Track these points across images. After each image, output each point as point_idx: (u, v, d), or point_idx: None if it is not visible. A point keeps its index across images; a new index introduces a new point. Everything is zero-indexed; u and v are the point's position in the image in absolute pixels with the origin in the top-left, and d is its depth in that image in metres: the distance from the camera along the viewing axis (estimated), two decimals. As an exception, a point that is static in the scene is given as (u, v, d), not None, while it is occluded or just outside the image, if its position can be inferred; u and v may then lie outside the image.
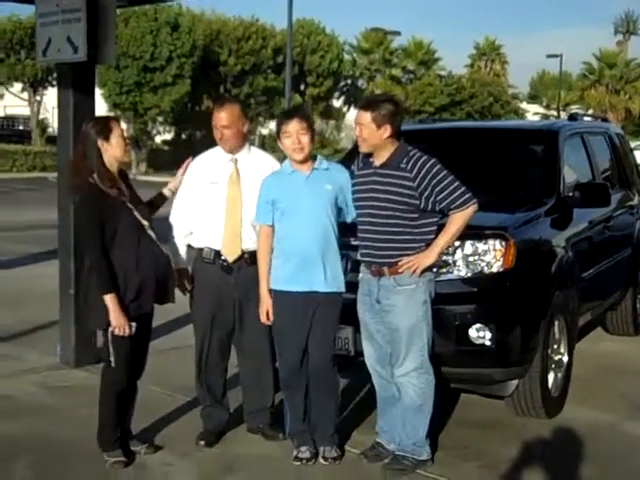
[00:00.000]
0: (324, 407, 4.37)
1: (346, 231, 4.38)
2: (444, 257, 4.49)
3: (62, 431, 4.75)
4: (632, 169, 7.67)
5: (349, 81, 49.23)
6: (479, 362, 4.59)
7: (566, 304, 5.21)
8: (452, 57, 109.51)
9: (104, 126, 4.22)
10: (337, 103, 48.75)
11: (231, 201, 4.49)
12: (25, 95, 38.50)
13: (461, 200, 4.04)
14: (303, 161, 4.28)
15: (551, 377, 5.07)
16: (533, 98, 66.17)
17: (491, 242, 4.58)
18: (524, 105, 59.25)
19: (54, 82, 36.82)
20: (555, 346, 5.13)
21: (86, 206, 4.20)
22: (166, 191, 4.63)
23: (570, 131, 6.19)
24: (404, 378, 4.20)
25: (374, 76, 50.16)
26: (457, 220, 4.08)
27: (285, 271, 4.27)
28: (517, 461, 4.42)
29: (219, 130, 4.47)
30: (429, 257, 4.09)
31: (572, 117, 7.00)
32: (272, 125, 42.99)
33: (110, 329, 4.09)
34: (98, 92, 23.55)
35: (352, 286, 4.38)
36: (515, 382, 4.79)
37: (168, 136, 38.70)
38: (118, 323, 4.05)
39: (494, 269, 4.57)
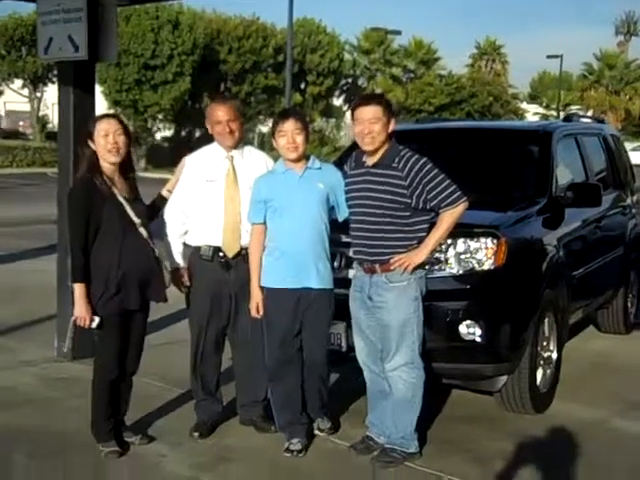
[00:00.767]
0: (316, 388, 4.50)
1: (338, 229, 4.46)
2: (437, 254, 4.58)
3: (59, 422, 4.83)
4: (626, 170, 7.75)
5: (349, 80, 49.27)
6: (469, 358, 4.67)
7: (556, 302, 5.28)
8: (453, 57, 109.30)
9: (92, 125, 4.34)
10: (337, 102, 48.82)
11: (229, 199, 4.56)
12: (25, 91, 38.56)
13: (451, 198, 4.12)
14: (297, 160, 4.36)
15: (540, 373, 5.14)
16: (533, 98, 66.22)
17: (483, 240, 4.65)
18: (524, 105, 59.31)
19: (54, 79, 36.90)
20: (544, 343, 5.20)
21: (73, 198, 4.32)
22: (165, 192, 4.69)
23: (564, 132, 6.26)
24: (394, 373, 4.28)
25: (374, 75, 50.21)
26: (448, 218, 4.16)
27: (277, 269, 4.35)
28: (505, 455, 4.49)
29: (224, 125, 4.51)
30: (420, 255, 4.17)
31: (567, 118, 7.08)
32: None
33: (72, 319, 4.23)
34: (98, 89, 23.61)
35: (344, 282, 4.46)
36: (504, 378, 4.86)
37: (168, 133, 38.77)
38: (79, 313, 4.18)
39: (485, 267, 4.64)
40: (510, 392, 4.96)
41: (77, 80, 6.16)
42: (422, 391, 4.31)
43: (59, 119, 6.33)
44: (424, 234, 4.21)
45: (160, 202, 4.68)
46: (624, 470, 4.39)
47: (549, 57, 47.82)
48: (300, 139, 4.33)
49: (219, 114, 4.54)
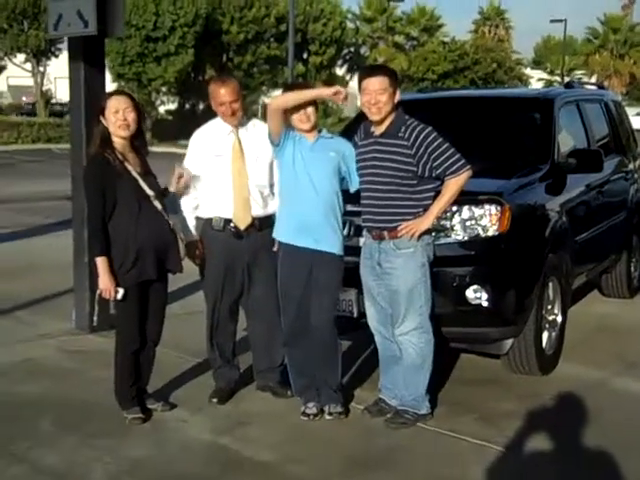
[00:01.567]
0: (327, 367, 4.62)
1: (347, 198, 4.60)
2: (442, 222, 4.72)
3: (81, 392, 5.00)
4: (628, 136, 7.85)
5: (352, 49, 48.97)
6: (476, 322, 4.82)
7: (560, 266, 5.42)
8: (456, 23, 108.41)
9: (103, 102, 4.49)
10: (340, 71, 48.56)
11: (237, 172, 4.69)
12: (28, 66, 38.47)
13: (456, 166, 4.25)
14: (309, 130, 4.50)
15: (545, 336, 5.30)
16: (537, 64, 65.74)
17: (487, 207, 4.79)
18: (528, 71, 58.90)
19: (57, 53, 36.82)
20: (549, 306, 5.35)
21: (88, 175, 4.49)
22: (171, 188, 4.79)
23: (566, 99, 6.36)
24: (404, 337, 4.44)
25: (377, 43, 49.92)
26: (452, 185, 4.29)
27: (289, 227, 4.52)
28: (513, 415, 4.66)
29: (227, 106, 4.63)
30: (426, 221, 4.31)
31: (569, 85, 7.17)
32: (275, 94, 43.03)
33: (97, 292, 4.39)
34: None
35: (355, 250, 4.60)
36: (511, 341, 5.02)
37: (172, 106, 38.74)
38: (104, 286, 4.33)
39: (490, 233, 4.78)
40: (517, 354, 5.12)
41: (87, 56, 6.25)
42: (432, 355, 4.47)
43: (70, 95, 6.43)
44: (430, 202, 4.34)
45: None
46: (626, 426, 4.57)
47: (553, 21, 47.50)
48: (311, 110, 4.48)
49: (221, 94, 4.65)
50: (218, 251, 4.73)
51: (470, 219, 4.81)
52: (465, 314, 4.78)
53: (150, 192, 4.41)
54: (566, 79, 48.67)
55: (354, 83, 49.91)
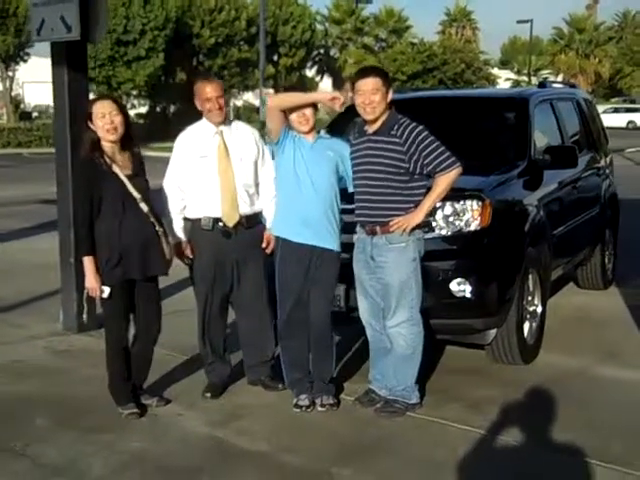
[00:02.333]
0: (322, 361, 4.76)
1: (341, 196, 4.73)
2: (426, 217, 4.86)
3: (74, 389, 5.08)
4: (599, 132, 8.07)
5: (321, 51, 49.23)
6: (461, 313, 4.98)
7: (539, 259, 5.60)
8: (423, 24, 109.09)
9: (89, 107, 4.60)
10: (310, 73, 48.82)
11: (223, 172, 4.80)
12: (-4, 71, 38.12)
13: (446, 164, 4.40)
14: (308, 132, 4.65)
15: (526, 326, 5.47)
16: (504, 64, 66.51)
17: (469, 203, 4.95)
18: (495, 71, 59.55)
19: (26, 57, 36.56)
20: (529, 298, 5.53)
21: (78, 175, 4.64)
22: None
23: (540, 98, 6.54)
24: (395, 329, 4.58)
25: (346, 45, 50.21)
26: (442, 182, 4.44)
27: (288, 223, 4.65)
28: (496, 401, 4.83)
29: (214, 101, 4.74)
30: (417, 217, 4.46)
31: (542, 84, 7.38)
32: (246, 96, 43.09)
33: (85, 291, 4.51)
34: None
35: (345, 246, 4.74)
36: (494, 331, 5.19)
37: (143, 109, 38.64)
38: (90, 285, 4.46)
39: (472, 227, 4.94)
40: (500, 344, 5.29)
41: (70, 60, 6.31)
42: (422, 346, 4.62)
43: (54, 99, 6.49)
44: (421, 198, 4.49)
45: None
46: (605, 410, 4.75)
47: (519, 22, 48.12)
48: (309, 112, 4.61)
49: (208, 91, 4.76)
50: (207, 250, 4.83)
51: (452, 214, 4.97)
52: (450, 306, 4.93)
53: (137, 194, 4.51)
54: (533, 79, 49.37)
55: (324, 85, 50.06)
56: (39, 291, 7.48)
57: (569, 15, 64.76)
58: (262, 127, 26.67)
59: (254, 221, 4.89)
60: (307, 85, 45.63)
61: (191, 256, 4.88)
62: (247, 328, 5.05)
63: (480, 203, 4.96)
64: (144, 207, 4.53)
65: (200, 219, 4.84)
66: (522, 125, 6.07)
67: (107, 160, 4.48)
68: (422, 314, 4.64)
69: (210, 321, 4.94)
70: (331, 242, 4.64)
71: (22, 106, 41.49)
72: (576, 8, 69.43)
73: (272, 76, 40.72)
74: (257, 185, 4.93)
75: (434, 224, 4.94)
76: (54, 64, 6.44)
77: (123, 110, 4.63)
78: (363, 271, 4.65)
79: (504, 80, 58.34)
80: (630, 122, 49.21)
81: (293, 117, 4.61)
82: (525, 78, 56.05)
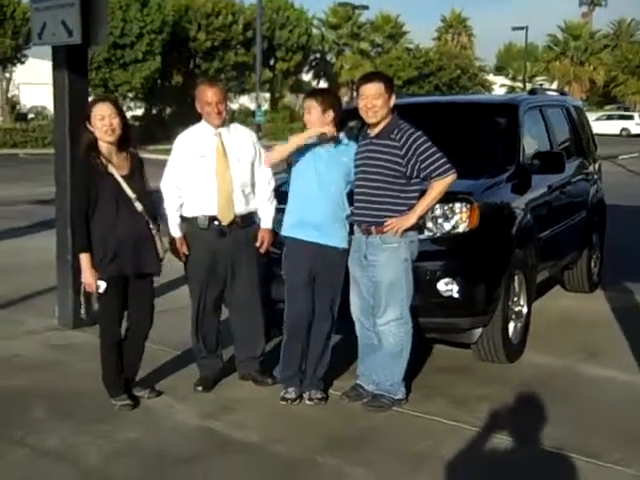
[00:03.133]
0: (320, 357, 4.91)
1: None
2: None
3: (70, 383, 5.21)
4: (588, 139, 8.23)
5: (318, 55, 49.40)
6: (448, 312, 5.12)
7: (525, 261, 5.75)
8: (419, 30, 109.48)
9: (89, 108, 4.74)
10: (306, 77, 48.97)
11: (220, 172, 4.95)
12: (-7, 72, 38.16)
13: (442, 169, 4.55)
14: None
15: (512, 326, 5.62)
16: (500, 70, 66.77)
17: (458, 205, 5.10)
18: (491, 77, 59.86)
19: (23, 59, 36.63)
20: (515, 298, 5.67)
21: (75, 177, 4.81)
22: None
23: (530, 104, 6.71)
24: (385, 327, 4.72)
25: (343, 50, 50.40)
26: (437, 187, 4.59)
27: (297, 222, 4.79)
28: (481, 398, 4.98)
29: (214, 106, 4.89)
30: (410, 219, 4.60)
31: (532, 91, 7.54)
32: (242, 100, 43.20)
33: (82, 286, 4.67)
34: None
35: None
36: (480, 330, 5.33)
37: (139, 112, 38.73)
38: (87, 280, 4.62)
39: (460, 229, 5.10)
40: (485, 343, 5.43)
41: (71, 63, 6.41)
42: (410, 344, 4.76)
43: (54, 102, 6.60)
44: (415, 202, 4.64)
45: None
46: (588, 408, 4.89)
47: (514, 29, 48.38)
48: (330, 117, 4.75)
49: (209, 95, 4.91)
50: (203, 248, 4.97)
51: (442, 216, 5.12)
52: (438, 305, 5.08)
53: (132, 194, 4.66)
54: (528, 85, 49.59)
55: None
56: (35, 288, 7.60)
57: (564, 22, 65.15)
58: (258, 130, 26.83)
59: (249, 220, 5.04)
60: (303, 88, 45.83)
61: (187, 253, 5.01)
62: (239, 325, 5.18)
63: (469, 205, 5.11)
64: (139, 206, 4.67)
65: (196, 217, 4.97)
66: (512, 131, 6.23)
67: (103, 160, 4.63)
68: (411, 313, 4.77)
69: (203, 317, 5.08)
70: (339, 241, 4.79)
71: (18, 107, 41.52)
72: (572, 15, 69.90)
73: (269, 80, 40.87)
74: (253, 185, 5.08)
75: (424, 225, 5.07)
76: (55, 67, 6.54)
77: (121, 113, 4.77)
78: (357, 269, 4.80)
79: (499, 86, 58.61)
80: (623, 129, 49.52)
81: (307, 118, 4.78)
82: (520, 84, 56.29)
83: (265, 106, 37.90)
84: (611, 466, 4.04)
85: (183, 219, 5.04)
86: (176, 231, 5.02)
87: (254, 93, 30.36)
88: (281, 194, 5.07)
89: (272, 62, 41.36)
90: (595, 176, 8.13)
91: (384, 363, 4.79)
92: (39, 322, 6.63)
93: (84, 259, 4.61)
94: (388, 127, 4.67)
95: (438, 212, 5.10)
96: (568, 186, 7.02)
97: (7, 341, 6.17)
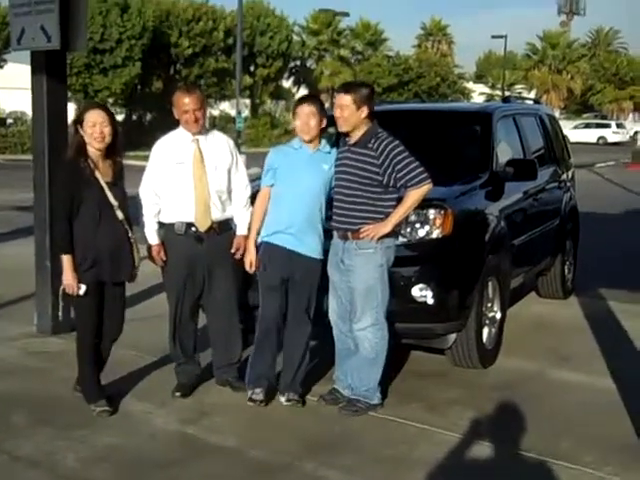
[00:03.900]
0: (299, 361, 4.97)
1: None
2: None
3: (49, 389, 5.23)
4: (562, 147, 8.36)
5: (298, 62, 49.53)
6: (422, 318, 5.20)
7: (498, 267, 5.83)
8: (399, 38, 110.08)
9: (81, 113, 4.78)
10: (287, 84, 49.07)
11: (198, 178, 5.00)
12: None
13: (418, 179, 4.63)
14: (310, 141, 4.87)
15: (485, 332, 5.70)
16: (479, 78, 67.20)
17: (431, 211, 5.18)
18: (470, 85, 60.20)
19: (2, 63, 36.44)
20: (489, 304, 5.76)
21: (59, 179, 4.87)
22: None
23: (503, 113, 6.82)
24: (361, 332, 4.79)
25: (323, 56, 50.56)
26: (413, 196, 4.67)
27: (274, 228, 4.86)
28: (455, 402, 5.06)
29: (191, 113, 4.93)
30: (386, 226, 4.68)
31: (506, 99, 7.66)
32: (223, 106, 43.22)
33: (61, 287, 4.71)
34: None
35: None
36: (454, 336, 5.41)
37: (119, 117, 38.60)
38: (68, 282, 4.67)
39: (434, 235, 5.18)
40: (459, 349, 5.51)
41: (49, 69, 6.42)
42: (386, 350, 4.83)
43: (33, 107, 6.62)
44: (391, 210, 4.72)
45: None
46: (559, 412, 4.99)
47: (494, 37, 48.71)
48: (313, 123, 4.83)
49: (185, 102, 4.95)
50: (180, 254, 5.02)
51: (416, 222, 5.20)
52: (412, 311, 5.15)
53: (114, 202, 4.72)
54: (507, 93, 49.97)
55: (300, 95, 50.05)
56: (12, 295, 7.57)
57: (543, 31, 65.73)
58: (238, 137, 26.87)
59: (225, 227, 5.10)
60: (284, 95, 45.95)
61: (164, 258, 5.06)
62: (216, 330, 5.23)
63: (442, 212, 5.20)
64: (119, 214, 4.73)
65: (173, 224, 5.02)
66: (485, 138, 6.33)
67: (91, 165, 4.68)
68: (386, 318, 4.84)
69: (181, 323, 5.12)
70: (312, 250, 4.86)
71: (-3, 112, 41.31)
72: (551, 24, 70.50)
73: (249, 86, 40.92)
74: (230, 192, 5.14)
75: (398, 231, 5.14)
76: (33, 73, 6.54)
77: (113, 121, 4.82)
78: (335, 273, 4.88)
79: (478, 94, 58.98)
80: (600, 138, 50.04)
81: (297, 125, 4.85)
82: (499, 92, 56.73)
83: (245, 112, 37.91)
84: (582, 469, 4.13)
85: (161, 225, 5.08)
86: (154, 238, 5.06)
87: (235, 99, 30.39)
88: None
89: (252, 68, 41.40)
90: (568, 184, 8.26)
91: (360, 368, 4.86)
92: (17, 329, 6.62)
93: (66, 260, 4.66)
94: (366, 135, 4.75)
95: (412, 218, 5.17)
96: (541, 193, 7.13)
97: (-16, 347, 6.17)
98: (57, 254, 4.77)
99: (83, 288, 4.66)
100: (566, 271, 7.98)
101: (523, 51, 67.01)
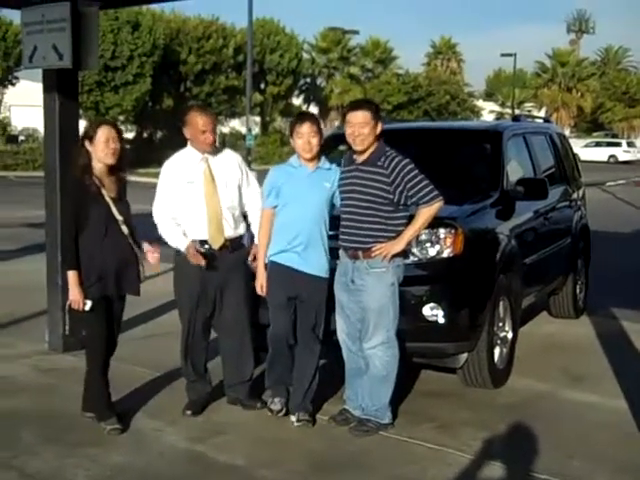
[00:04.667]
0: (310, 380, 4.96)
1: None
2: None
3: (59, 406, 5.23)
4: (572, 166, 8.35)
5: (308, 80, 49.73)
6: (433, 337, 5.18)
7: (510, 287, 5.82)
8: (409, 56, 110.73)
9: (92, 129, 4.80)
10: (297, 101, 49.24)
11: (209, 196, 5.02)
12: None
13: (429, 197, 4.63)
14: (311, 159, 4.88)
15: (497, 351, 5.68)
16: (489, 96, 67.32)
17: (442, 230, 5.17)
18: (480, 103, 60.26)
19: (14, 81, 36.76)
20: (500, 324, 5.74)
21: (67, 195, 4.92)
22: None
23: (513, 131, 6.82)
24: (372, 351, 4.77)
25: (333, 74, 50.76)
26: (424, 214, 4.67)
27: (279, 247, 4.86)
28: (466, 422, 5.03)
29: (207, 134, 4.96)
30: (398, 245, 4.68)
31: (516, 118, 7.67)
32: (233, 123, 43.43)
33: (67, 302, 4.75)
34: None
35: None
36: (465, 355, 5.39)
37: (130, 135, 38.85)
38: (74, 297, 4.69)
39: (445, 254, 5.17)
40: (471, 368, 5.48)
41: (61, 87, 6.50)
42: (397, 368, 4.81)
43: (45, 125, 6.68)
44: (403, 228, 4.71)
45: None
46: (571, 432, 4.95)
47: (503, 55, 48.81)
48: (315, 141, 4.84)
49: (200, 123, 4.98)
50: (193, 272, 5.01)
51: (427, 242, 5.19)
52: (423, 330, 5.14)
53: (119, 217, 4.75)
54: (517, 111, 50.03)
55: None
56: (24, 312, 7.61)
57: (552, 49, 65.85)
58: (248, 154, 26.93)
59: (238, 244, 5.12)
60: (294, 112, 46.05)
61: (202, 251, 4.94)
62: (228, 349, 5.22)
63: (453, 231, 5.19)
64: (125, 230, 4.77)
65: (187, 242, 5.03)
66: (495, 157, 6.33)
67: (97, 182, 4.71)
68: (397, 337, 4.83)
69: (193, 341, 5.12)
70: (317, 268, 4.86)
71: (9, 129, 41.57)
72: (560, 42, 70.67)
73: (259, 104, 41.14)
74: (241, 208, 5.17)
75: (409, 250, 5.14)
76: (45, 91, 6.61)
77: (121, 138, 4.86)
78: (343, 294, 4.86)
79: (488, 112, 59.02)
80: (611, 156, 49.98)
81: (299, 143, 4.85)
82: (509, 110, 56.74)
83: (256, 130, 38.09)
84: (593, 490, 4.11)
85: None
86: (183, 241, 4.96)
87: (245, 117, 30.54)
88: None
89: (263, 86, 41.62)
90: (579, 202, 8.25)
91: (370, 387, 4.84)
92: (29, 346, 6.64)
93: (71, 276, 4.69)
94: (375, 154, 4.75)
95: (423, 237, 5.17)
96: (552, 212, 7.12)
97: (-4, 364, 6.19)
98: (65, 270, 4.81)
99: (89, 304, 4.69)
100: (578, 290, 7.96)
101: (532, 69, 67.18)
